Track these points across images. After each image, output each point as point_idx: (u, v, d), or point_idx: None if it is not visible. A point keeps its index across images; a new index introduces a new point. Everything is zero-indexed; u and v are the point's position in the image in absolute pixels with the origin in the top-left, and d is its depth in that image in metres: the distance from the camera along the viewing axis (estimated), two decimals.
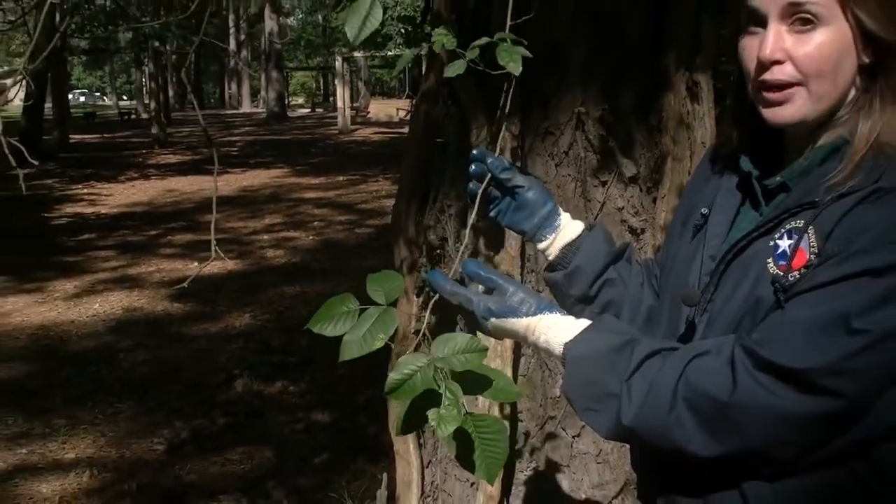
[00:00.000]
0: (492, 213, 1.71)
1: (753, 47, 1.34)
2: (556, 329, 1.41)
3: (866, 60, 1.30)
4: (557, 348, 1.40)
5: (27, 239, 12.59)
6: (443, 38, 1.72)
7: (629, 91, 2.65)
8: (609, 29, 2.62)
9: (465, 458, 1.31)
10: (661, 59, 2.64)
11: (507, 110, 1.82)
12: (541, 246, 1.70)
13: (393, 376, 1.28)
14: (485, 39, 1.67)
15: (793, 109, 1.33)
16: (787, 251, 1.28)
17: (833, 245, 1.22)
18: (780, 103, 1.33)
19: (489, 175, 1.65)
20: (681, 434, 1.28)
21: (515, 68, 1.62)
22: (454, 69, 1.67)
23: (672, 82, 2.64)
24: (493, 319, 1.43)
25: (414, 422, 1.31)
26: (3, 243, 12.16)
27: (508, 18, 1.70)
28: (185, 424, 5.70)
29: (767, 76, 1.33)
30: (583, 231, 1.69)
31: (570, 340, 1.39)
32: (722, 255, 1.39)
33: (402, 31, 31.26)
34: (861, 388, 1.19)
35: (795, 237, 1.27)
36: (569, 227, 1.69)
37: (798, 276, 1.25)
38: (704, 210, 1.49)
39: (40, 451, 5.36)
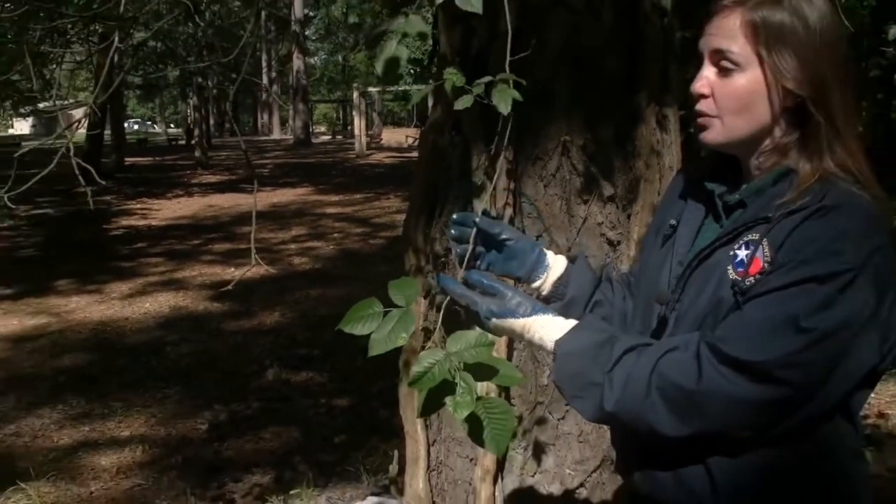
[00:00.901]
0: (482, 266, 1.67)
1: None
2: (548, 328, 1.44)
3: (790, 104, 1.34)
4: (549, 344, 1.43)
5: (89, 247, 12.60)
6: (453, 77, 1.73)
7: (607, 123, 2.65)
8: (589, 70, 2.62)
9: (476, 436, 1.33)
10: (635, 95, 2.64)
11: (504, 141, 1.82)
12: (535, 285, 1.69)
13: (416, 369, 1.30)
14: (487, 78, 1.67)
15: (711, 135, 1.40)
16: (745, 259, 1.31)
17: (784, 255, 1.26)
18: (703, 129, 1.41)
19: (473, 233, 1.60)
20: (654, 417, 1.31)
21: (504, 108, 1.63)
22: (462, 102, 1.69)
23: (644, 116, 2.64)
24: (494, 319, 1.45)
25: (432, 406, 1.32)
26: (69, 251, 12.18)
27: (508, 58, 1.71)
28: (224, 407, 5.70)
29: (698, 106, 1.40)
30: (568, 265, 1.69)
31: (560, 338, 1.41)
32: (689, 262, 1.42)
33: (412, 70, 31.29)
34: (807, 377, 1.24)
35: (752, 248, 1.31)
36: (556, 265, 1.68)
37: (753, 280, 1.29)
38: (673, 222, 1.53)
39: (100, 430, 5.37)
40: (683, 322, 1.40)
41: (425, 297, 2.93)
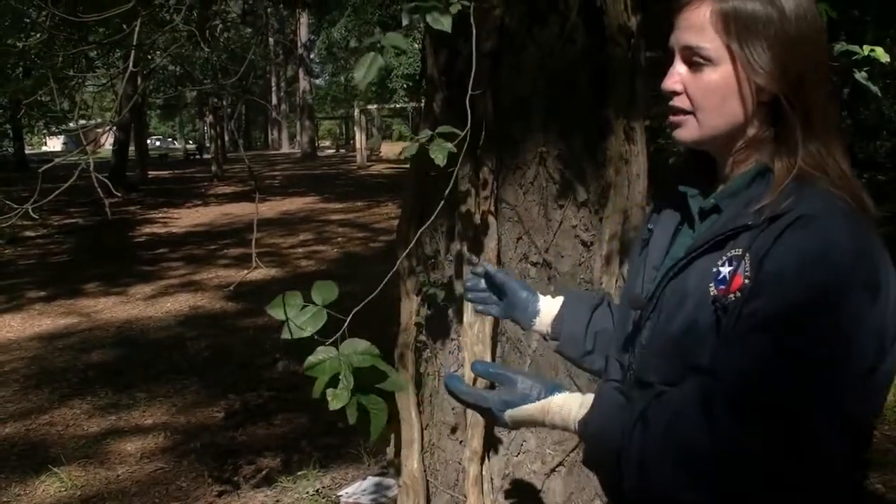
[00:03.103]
0: (493, 312, 1.68)
1: None
2: (567, 408, 1.29)
3: (764, 100, 1.19)
4: (572, 425, 1.28)
5: (115, 253, 12.57)
6: (399, 127, 1.80)
7: (580, 135, 2.65)
8: (563, 87, 2.62)
9: (361, 426, 1.38)
10: (605, 110, 2.64)
11: (478, 150, 1.83)
12: (533, 329, 1.64)
13: (310, 358, 1.36)
14: (428, 132, 1.72)
15: (685, 133, 1.25)
16: (727, 276, 1.14)
17: (768, 273, 1.09)
18: (677, 126, 1.26)
19: (484, 279, 1.66)
20: (686, 494, 1.12)
21: (441, 161, 1.69)
22: (408, 151, 1.77)
23: (613, 128, 2.64)
24: (508, 411, 1.30)
25: (323, 392, 1.37)
26: (97, 257, 12.15)
27: (472, 78, 1.71)
28: (238, 397, 5.68)
29: (671, 103, 1.25)
30: (562, 305, 1.62)
31: (582, 419, 1.26)
32: (665, 272, 1.26)
33: (406, 85, 31.26)
34: (816, 400, 1.06)
35: (735, 264, 1.13)
36: (548, 307, 1.63)
37: (735, 297, 1.12)
38: (650, 226, 1.39)
39: (126, 418, 5.35)
40: (658, 340, 1.23)
41: (417, 294, 2.93)
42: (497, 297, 1.68)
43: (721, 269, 1.15)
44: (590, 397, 1.29)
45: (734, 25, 1.16)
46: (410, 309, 2.90)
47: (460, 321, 2.74)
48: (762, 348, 1.07)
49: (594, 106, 2.65)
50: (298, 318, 1.39)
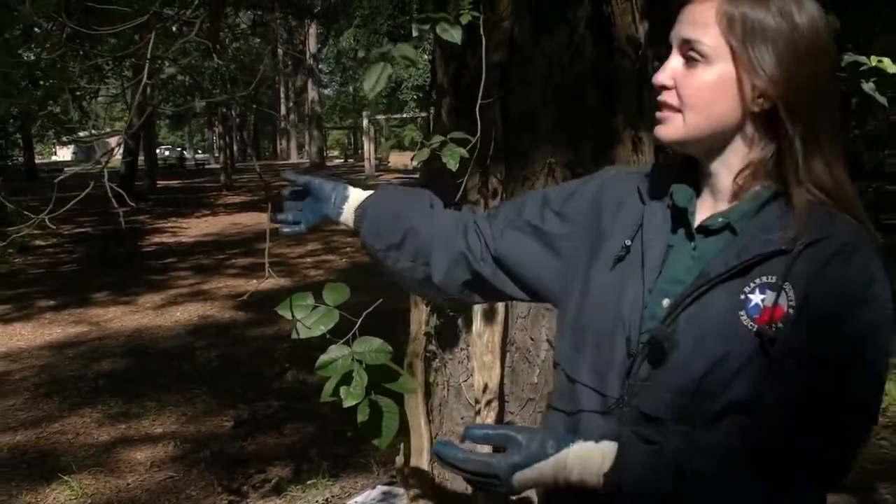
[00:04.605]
0: (302, 226, 1.55)
1: None
2: (589, 463, 1.12)
3: (755, 109, 1.13)
4: (593, 479, 1.11)
5: (124, 262, 12.62)
6: (412, 132, 1.79)
7: (588, 145, 2.67)
8: (571, 98, 2.64)
9: (370, 430, 1.36)
10: (612, 120, 2.65)
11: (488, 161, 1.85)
12: (341, 219, 1.51)
13: (322, 358, 1.34)
14: (440, 138, 1.71)
15: (668, 131, 1.18)
16: (760, 304, 1.08)
17: (815, 304, 1.07)
18: (661, 122, 1.19)
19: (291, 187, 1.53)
20: None
21: (453, 165, 1.68)
22: (419, 156, 1.75)
23: (621, 138, 2.65)
24: (517, 474, 1.12)
25: (334, 392, 1.35)
26: (106, 266, 12.20)
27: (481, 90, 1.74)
28: (247, 406, 5.71)
29: (660, 97, 1.19)
30: (372, 192, 1.51)
31: (608, 474, 1.11)
32: (678, 299, 1.15)
33: (416, 97, 31.37)
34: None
35: (769, 292, 1.08)
36: (358, 195, 1.51)
37: (780, 326, 1.07)
38: (628, 242, 1.25)
39: (136, 427, 5.38)
40: (678, 375, 1.13)
41: (427, 304, 2.94)
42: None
43: (751, 296, 1.10)
44: (610, 447, 1.13)
45: (740, 26, 1.11)
46: (420, 318, 2.91)
47: (469, 331, 2.75)
48: (815, 392, 1.06)
49: (602, 116, 2.67)
50: (309, 318, 1.39)
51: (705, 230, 1.18)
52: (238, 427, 5.32)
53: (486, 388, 2.66)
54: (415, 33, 1.78)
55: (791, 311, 1.07)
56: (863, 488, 3.94)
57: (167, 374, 6.57)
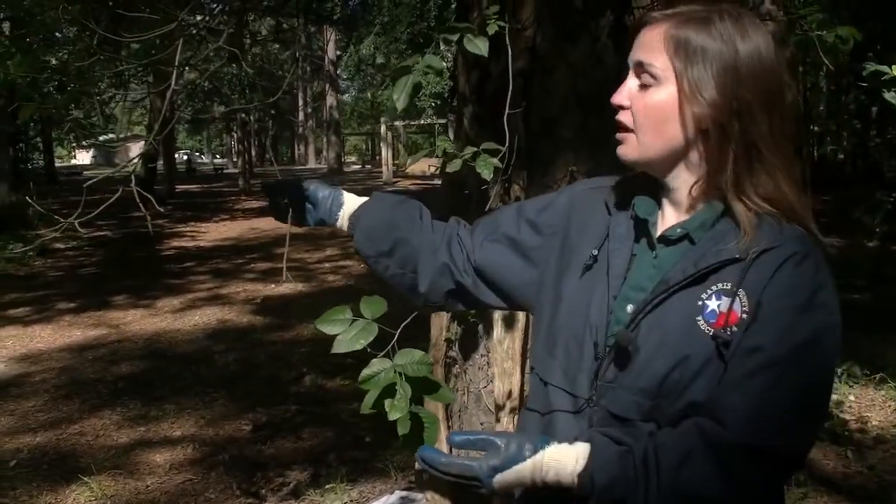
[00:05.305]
0: (309, 220, 1.60)
1: None
2: (562, 463, 1.16)
3: (706, 127, 1.18)
4: (568, 480, 1.15)
5: (143, 266, 12.72)
6: (445, 143, 1.80)
7: (609, 154, 2.67)
8: (592, 107, 2.66)
9: (411, 442, 1.37)
10: None
11: (510, 170, 1.86)
12: (337, 224, 1.57)
13: (365, 372, 1.36)
14: (472, 149, 1.72)
15: (625, 150, 1.25)
16: (716, 310, 1.15)
17: (767, 308, 1.13)
18: (620, 142, 1.26)
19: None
20: None
21: (487, 175, 1.69)
22: (452, 166, 1.75)
23: None
24: (497, 476, 1.16)
25: (376, 405, 1.37)
26: (125, 270, 12.30)
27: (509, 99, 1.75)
28: (266, 410, 5.73)
29: (617, 116, 1.25)
30: (365, 200, 1.56)
31: (582, 474, 1.15)
32: (641, 305, 1.21)
33: (434, 104, 31.44)
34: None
35: (724, 298, 1.15)
36: (353, 201, 1.56)
37: (732, 331, 1.14)
38: (595, 251, 1.31)
39: (155, 430, 5.42)
40: (641, 377, 1.19)
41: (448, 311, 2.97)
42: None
43: (707, 302, 1.16)
44: (583, 448, 1.17)
45: (684, 50, 1.17)
46: (441, 325, 2.94)
47: (490, 337, 2.77)
48: (768, 391, 1.12)
49: None
50: (348, 332, 1.42)
51: (666, 240, 1.25)
52: (256, 431, 5.35)
53: (509, 394, 2.68)
54: (441, 46, 1.80)
55: (745, 315, 1.13)
56: (879, 499, 3.94)
57: (186, 377, 6.62)
